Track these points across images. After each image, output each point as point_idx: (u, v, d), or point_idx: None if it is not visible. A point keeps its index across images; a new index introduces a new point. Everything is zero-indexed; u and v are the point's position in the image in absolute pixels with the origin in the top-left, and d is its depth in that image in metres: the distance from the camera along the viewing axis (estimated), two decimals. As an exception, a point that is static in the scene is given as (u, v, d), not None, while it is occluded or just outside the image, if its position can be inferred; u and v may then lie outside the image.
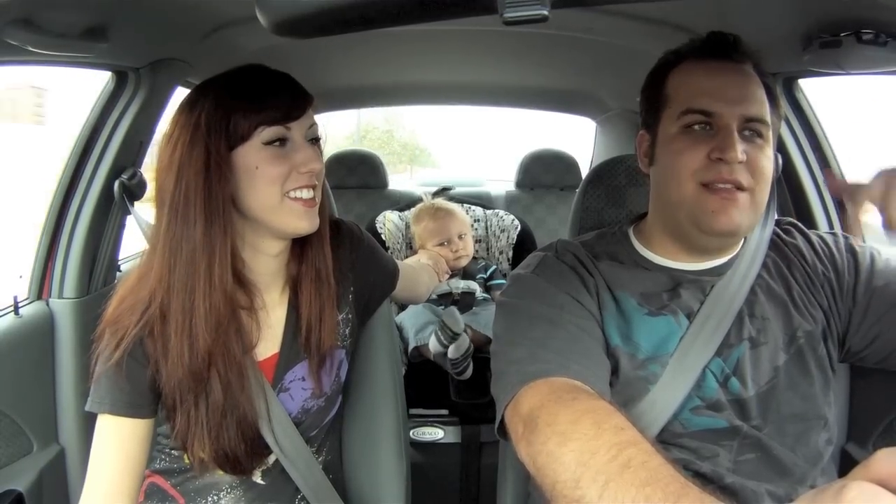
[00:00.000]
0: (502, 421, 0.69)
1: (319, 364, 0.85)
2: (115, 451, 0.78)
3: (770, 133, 0.77)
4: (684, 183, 0.76)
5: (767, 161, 0.76)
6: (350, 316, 0.91)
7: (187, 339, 0.74)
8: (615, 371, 0.75)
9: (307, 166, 0.76)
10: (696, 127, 0.76)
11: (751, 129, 0.76)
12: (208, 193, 0.73)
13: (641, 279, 0.81)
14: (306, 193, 0.77)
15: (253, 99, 0.75)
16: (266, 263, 0.83)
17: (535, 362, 0.68)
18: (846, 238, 0.85)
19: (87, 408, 0.79)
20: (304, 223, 0.77)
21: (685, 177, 0.75)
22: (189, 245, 0.74)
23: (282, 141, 0.76)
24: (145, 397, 0.78)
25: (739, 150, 0.73)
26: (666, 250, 0.83)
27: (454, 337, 1.49)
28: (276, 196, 0.76)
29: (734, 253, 0.83)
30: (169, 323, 0.75)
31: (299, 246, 0.84)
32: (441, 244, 1.77)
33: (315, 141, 0.80)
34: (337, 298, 0.87)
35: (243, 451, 0.79)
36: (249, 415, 0.78)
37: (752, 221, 0.77)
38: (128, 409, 0.78)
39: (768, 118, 0.77)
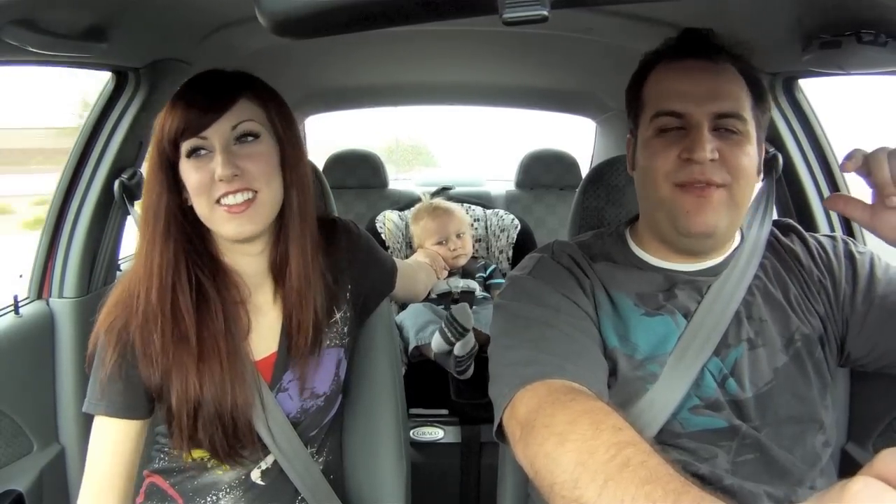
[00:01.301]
0: (500, 424, 0.69)
1: (313, 363, 0.85)
2: (110, 452, 0.79)
3: (750, 128, 0.76)
4: (660, 185, 0.76)
5: (745, 157, 0.75)
6: (348, 314, 0.91)
7: (147, 339, 0.77)
8: (613, 372, 0.75)
9: (216, 173, 0.75)
10: (670, 128, 0.76)
11: (724, 125, 0.75)
12: (150, 207, 0.79)
13: (637, 280, 0.81)
14: (231, 199, 0.76)
15: (173, 114, 0.77)
16: (250, 263, 0.84)
17: (532, 365, 0.68)
18: (845, 243, 0.85)
19: (84, 409, 0.80)
20: (230, 229, 0.77)
21: (660, 179, 0.76)
22: (139, 254, 0.79)
23: (202, 150, 0.77)
24: (140, 398, 0.79)
25: (709, 148, 0.72)
26: (658, 251, 0.83)
27: (462, 333, 1.47)
28: (207, 205, 0.77)
29: (728, 253, 0.82)
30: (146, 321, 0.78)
31: (283, 245, 0.84)
32: (439, 243, 1.77)
33: (248, 137, 0.78)
34: (334, 297, 0.88)
35: (226, 444, 0.79)
36: (242, 410, 0.79)
37: (731, 220, 0.77)
38: (124, 411, 0.79)
39: (745, 113, 0.76)
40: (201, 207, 0.78)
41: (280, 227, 0.82)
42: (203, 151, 0.77)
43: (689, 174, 0.74)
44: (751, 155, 0.76)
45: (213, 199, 0.76)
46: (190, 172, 0.77)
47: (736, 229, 0.81)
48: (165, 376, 0.77)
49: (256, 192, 0.77)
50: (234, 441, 0.79)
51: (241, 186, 0.76)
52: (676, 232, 0.77)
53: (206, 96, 0.77)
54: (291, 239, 0.82)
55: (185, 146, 0.77)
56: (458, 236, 1.79)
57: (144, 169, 0.81)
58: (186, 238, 0.80)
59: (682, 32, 0.80)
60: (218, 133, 0.76)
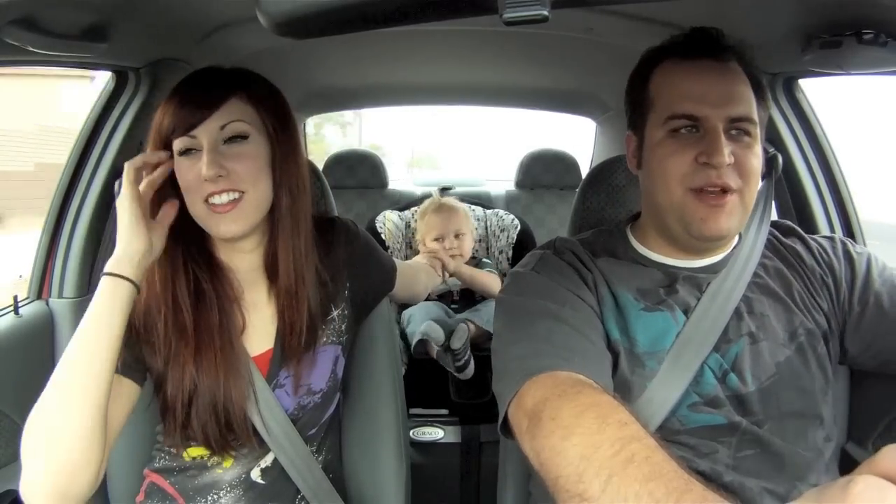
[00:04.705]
0: (506, 418, 0.68)
1: (308, 360, 0.85)
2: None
3: (758, 130, 0.77)
4: (673, 188, 0.76)
5: (756, 159, 0.76)
6: (346, 312, 0.91)
7: (151, 327, 0.78)
8: (614, 366, 0.75)
9: (202, 173, 0.75)
10: (683, 130, 0.76)
11: (737, 128, 0.75)
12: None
13: (638, 275, 0.81)
14: (217, 199, 0.77)
15: (166, 112, 0.77)
16: (243, 260, 0.84)
17: (539, 357, 0.68)
18: (843, 243, 0.85)
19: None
20: (220, 228, 0.78)
21: (673, 182, 0.76)
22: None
23: (192, 150, 0.77)
24: (138, 364, 0.79)
25: (727, 152, 0.73)
26: (660, 248, 0.83)
27: (447, 348, 1.52)
28: (198, 203, 0.78)
29: (728, 251, 0.83)
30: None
31: (273, 243, 0.84)
32: (437, 239, 1.76)
33: (237, 139, 0.78)
34: (332, 295, 0.88)
35: (218, 434, 0.79)
36: (237, 402, 0.79)
37: (741, 222, 0.78)
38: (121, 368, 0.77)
39: (755, 115, 0.76)
40: (192, 206, 0.78)
41: (271, 226, 0.83)
42: (193, 151, 0.77)
43: (706, 178, 0.74)
44: (759, 156, 0.77)
45: (202, 198, 0.77)
46: (181, 171, 0.78)
47: (742, 229, 0.82)
48: (164, 364, 0.78)
49: (243, 192, 0.77)
50: (228, 432, 0.79)
51: (227, 187, 0.77)
52: (689, 235, 0.77)
53: (197, 95, 0.78)
54: (281, 238, 0.83)
55: (177, 144, 0.77)
56: (457, 236, 1.78)
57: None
58: (184, 234, 0.81)
59: (691, 31, 0.79)
60: (207, 132, 0.77)
